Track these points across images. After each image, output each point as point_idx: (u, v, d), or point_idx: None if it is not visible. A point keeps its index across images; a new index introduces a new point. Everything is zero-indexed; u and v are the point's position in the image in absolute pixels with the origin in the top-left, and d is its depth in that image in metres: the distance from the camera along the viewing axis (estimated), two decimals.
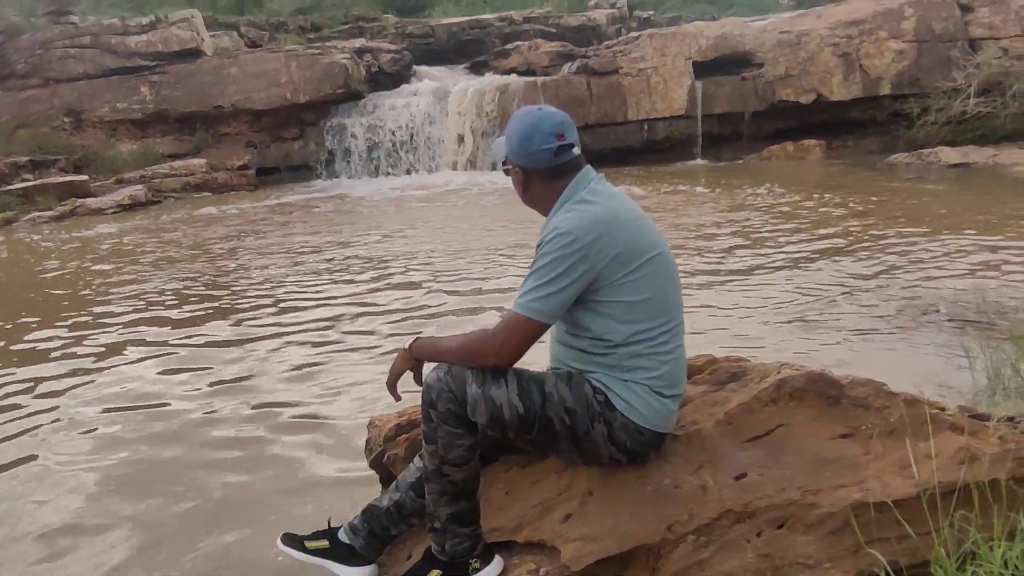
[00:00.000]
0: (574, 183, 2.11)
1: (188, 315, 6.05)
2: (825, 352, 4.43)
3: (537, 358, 2.14)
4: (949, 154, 12.38)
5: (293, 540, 2.37)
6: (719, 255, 7.17)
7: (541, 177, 2.12)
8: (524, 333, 1.98)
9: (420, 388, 2.13)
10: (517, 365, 2.05)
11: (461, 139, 15.38)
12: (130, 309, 6.34)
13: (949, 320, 4.88)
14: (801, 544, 1.95)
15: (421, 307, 5.84)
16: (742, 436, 2.17)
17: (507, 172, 2.20)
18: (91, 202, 13.22)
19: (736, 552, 1.99)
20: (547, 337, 2.12)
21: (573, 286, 1.97)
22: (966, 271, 6.06)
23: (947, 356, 4.10)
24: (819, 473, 2.03)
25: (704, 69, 15.10)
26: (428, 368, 2.12)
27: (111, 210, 13.03)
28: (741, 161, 14.88)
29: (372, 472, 2.83)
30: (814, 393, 2.17)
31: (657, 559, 2.04)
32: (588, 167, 2.15)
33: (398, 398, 2.24)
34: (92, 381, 4.62)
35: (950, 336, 4.52)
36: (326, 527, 2.40)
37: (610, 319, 2.03)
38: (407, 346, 2.16)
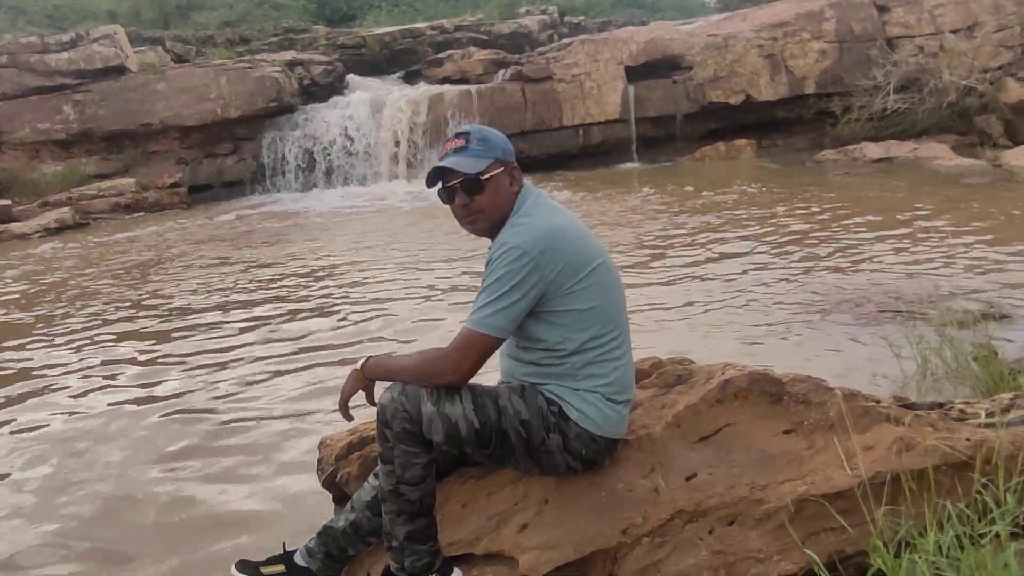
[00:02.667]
0: (519, 199, 2.14)
1: (123, 337, 5.90)
2: (760, 349, 4.55)
3: (486, 369, 2.16)
4: (873, 149, 12.83)
5: (248, 566, 2.35)
6: (654, 256, 7.30)
7: (518, 172, 2.17)
8: (479, 349, 2.01)
9: (373, 407, 2.14)
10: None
11: (397, 150, 15.33)
12: (66, 330, 6.15)
13: (880, 311, 5.07)
14: (752, 539, 2.02)
15: (373, 322, 5.79)
16: (691, 437, 2.24)
17: (471, 190, 2.10)
18: (15, 227, 12.77)
19: (690, 551, 2.05)
20: (496, 352, 2.14)
21: (525, 299, 2.00)
22: (895, 262, 6.30)
23: (879, 346, 4.25)
24: (765, 469, 2.10)
25: (636, 73, 15.36)
26: (381, 388, 2.13)
27: (37, 234, 12.60)
28: (675, 162, 15.16)
29: (326, 492, 2.83)
30: (757, 392, 2.25)
31: (614, 563, 2.09)
32: (528, 183, 2.19)
33: (350, 418, 2.24)
34: (12, 417, 4.48)
35: (881, 327, 4.69)
36: (281, 551, 2.39)
37: (563, 328, 2.07)
38: (358, 366, 2.16)
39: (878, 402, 2.20)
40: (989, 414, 2.26)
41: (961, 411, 2.40)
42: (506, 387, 2.12)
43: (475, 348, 2.00)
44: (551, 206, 2.16)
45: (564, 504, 2.17)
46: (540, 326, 2.08)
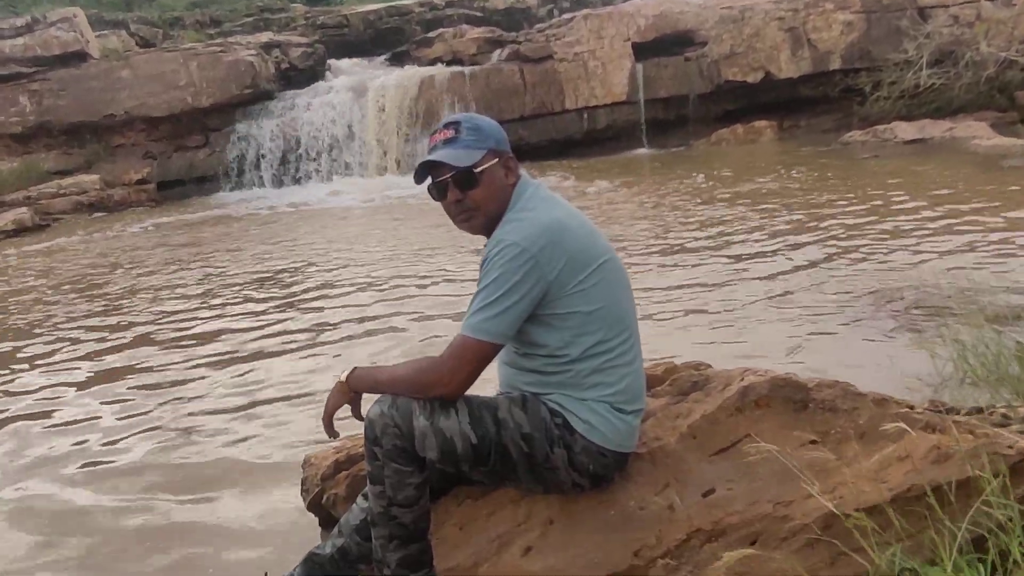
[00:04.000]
0: (515, 193, 2.15)
1: (94, 350, 5.92)
2: (786, 347, 4.56)
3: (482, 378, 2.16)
4: (905, 129, 12.86)
5: None
6: (668, 252, 7.31)
7: (514, 162, 2.18)
8: (476, 358, 2.00)
9: (360, 422, 2.14)
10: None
11: (384, 139, 15.35)
12: (29, 344, 6.17)
13: (915, 307, 5.07)
14: (776, 560, 2.02)
15: (361, 329, 5.80)
16: (708, 449, 2.24)
17: (464, 185, 2.11)
18: None
19: (708, 574, 2.05)
20: (493, 361, 2.14)
21: (525, 300, 2.00)
22: (930, 255, 6.29)
23: (912, 346, 4.25)
24: (790, 483, 2.10)
25: (645, 50, 15.39)
26: (368, 401, 2.13)
27: None
28: (689, 147, 15.18)
29: (311, 515, 2.83)
30: (780, 399, 2.25)
31: None
32: (525, 175, 2.20)
33: (335, 435, 2.24)
34: None
35: (914, 324, 4.69)
36: None
37: (566, 332, 2.07)
38: (343, 377, 2.16)
39: (912, 408, 2.20)
40: None
41: (1004, 416, 2.40)
42: (505, 398, 2.12)
43: (471, 356, 2.00)
44: (551, 199, 2.17)
45: (571, 524, 2.17)
46: (542, 330, 2.08)
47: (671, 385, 2.54)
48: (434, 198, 2.18)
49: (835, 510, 1.90)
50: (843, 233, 7.33)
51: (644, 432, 2.32)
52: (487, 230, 2.15)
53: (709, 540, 2.08)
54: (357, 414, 2.19)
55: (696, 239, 7.75)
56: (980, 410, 2.50)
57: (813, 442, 2.18)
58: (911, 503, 1.94)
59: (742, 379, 2.33)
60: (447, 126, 2.15)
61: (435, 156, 2.10)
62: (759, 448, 2.20)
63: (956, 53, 13.46)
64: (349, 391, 2.16)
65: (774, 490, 2.10)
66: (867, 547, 1.88)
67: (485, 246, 2.10)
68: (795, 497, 2.07)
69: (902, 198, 8.65)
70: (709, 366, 2.92)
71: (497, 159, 2.13)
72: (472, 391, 2.08)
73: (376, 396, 2.11)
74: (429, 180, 2.15)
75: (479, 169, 2.10)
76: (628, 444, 2.16)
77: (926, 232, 7.03)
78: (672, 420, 2.35)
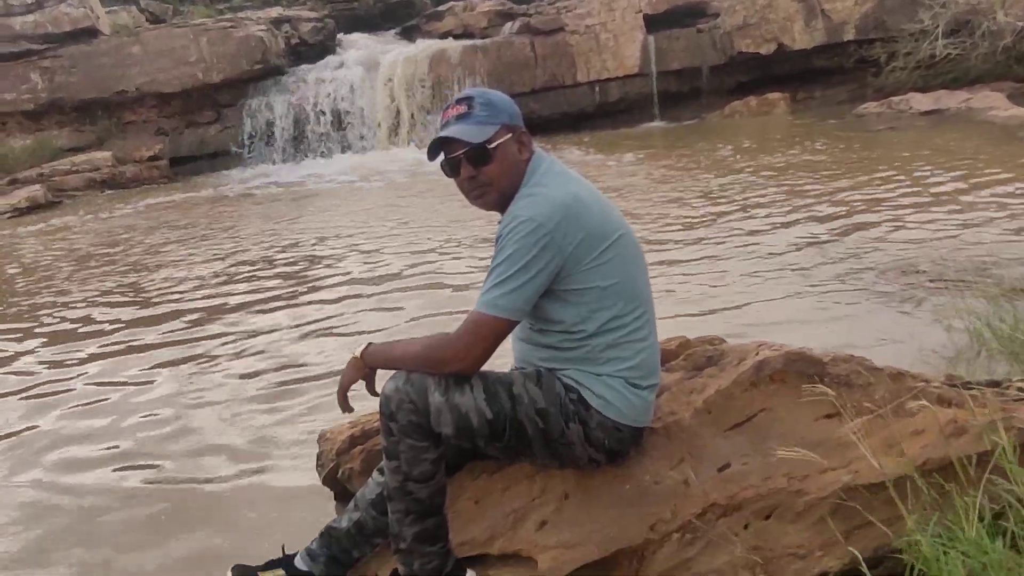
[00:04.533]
0: (529, 168, 2.13)
1: (115, 327, 5.97)
2: (802, 320, 4.56)
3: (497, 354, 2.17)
4: (920, 100, 12.72)
5: (245, 572, 2.37)
6: (682, 225, 7.28)
7: (527, 137, 2.17)
8: (491, 334, 2.00)
9: (374, 397, 2.15)
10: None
11: (396, 114, 15.30)
12: (45, 322, 6.22)
13: (931, 281, 5.05)
14: (791, 534, 2.03)
15: (377, 308, 5.78)
16: (723, 424, 2.24)
17: (477, 161, 2.09)
18: None
19: (724, 547, 2.06)
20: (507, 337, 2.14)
21: (540, 276, 2.00)
22: (946, 226, 6.26)
23: (928, 319, 4.24)
24: (805, 458, 2.10)
25: (656, 22, 15.24)
26: (383, 377, 2.14)
27: (7, 214, 12.71)
28: (701, 120, 15.07)
29: (326, 489, 2.86)
30: (795, 374, 2.25)
31: (640, 561, 2.11)
32: (539, 150, 2.18)
33: (350, 410, 2.25)
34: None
35: (930, 297, 4.68)
36: (280, 555, 2.42)
37: (582, 307, 2.06)
38: (358, 353, 2.17)
39: (927, 382, 2.19)
40: None
41: (1020, 390, 2.39)
42: (520, 373, 2.12)
43: (487, 332, 2.00)
44: (566, 174, 2.16)
45: (586, 499, 2.18)
46: (557, 306, 2.08)
47: (686, 360, 2.54)
48: (447, 174, 2.17)
49: (861, 476, 1.89)
50: (856, 205, 7.29)
51: (659, 407, 2.32)
52: (501, 206, 2.14)
53: (724, 514, 2.09)
54: (372, 389, 2.20)
55: (707, 211, 7.71)
56: (996, 383, 2.48)
57: (828, 416, 2.17)
58: (928, 476, 1.94)
59: (757, 354, 2.33)
60: (460, 101, 2.13)
61: (448, 132, 2.09)
62: (773, 417, 2.21)
63: (972, 23, 13.27)
64: (364, 367, 2.17)
65: (789, 464, 2.10)
66: (895, 515, 1.88)
67: (499, 222, 2.09)
68: (810, 472, 2.08)
69: (918, 171, 8.58)
70: (724, 340, 2.92)
71: (510, 134, 2.11)
72: (487, 367, 2.08)
73: (391, 372, 2.12)
74: (442, 156, 2.14)
75: (492, 145, 2.09)
76: (643, 419, 2.16)
77: (942, 204, 6.98)
78: (687, 395, 2.35)
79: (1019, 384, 2.46)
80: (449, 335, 2.04)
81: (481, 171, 2.10)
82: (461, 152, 2.10)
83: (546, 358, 2.14)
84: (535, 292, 2.01)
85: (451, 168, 2.14)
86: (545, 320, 2.11)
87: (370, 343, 2.19)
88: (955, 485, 1.86)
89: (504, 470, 2.34)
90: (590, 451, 2.12)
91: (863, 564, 1.82)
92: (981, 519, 1.75)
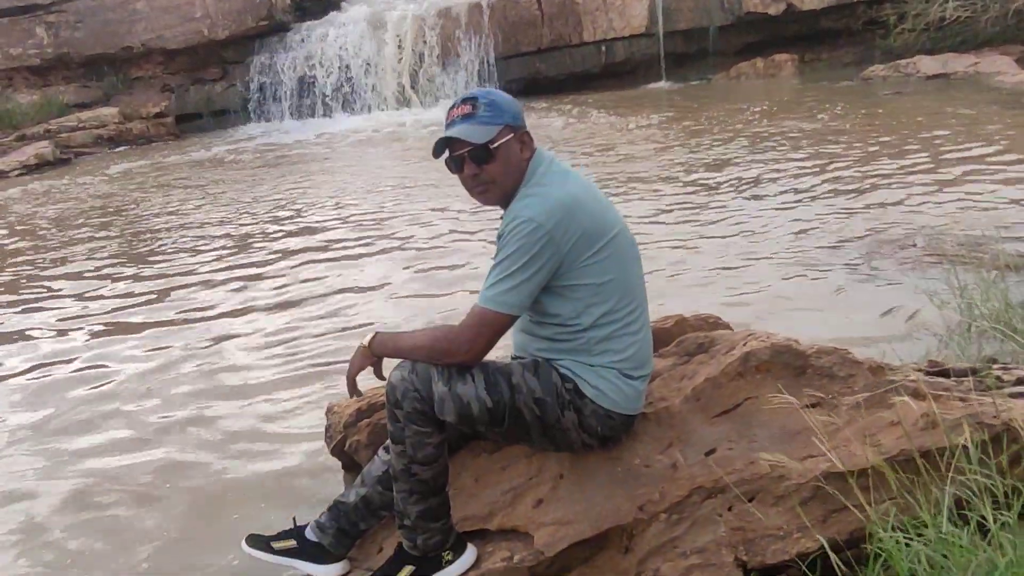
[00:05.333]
0: (530, 166, 2.23)
1: (128, 292, 6.08)
2: (793, 297, 4.64)
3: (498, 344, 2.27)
4: (928, 64, 12.61)
5: (259, 541, 2.51)
6: (685, 192, 7.32)
7: (529, 137, 2.25)
8: (493, 328, 2.13)
9: (382, 381, 2.27)
10: None
11: (402, 73, 15.24)
12: (60, 282, 6.34)
13: (927, 254, 5.10)
14: (771, 516, 2.16)
15: (381, 288, 5.71)
16: (710, 411, 2.36)
17: (480, 160, 2.18)
18: None
19: (708, 527, 2.19)
20: None
21: (540, 273, 2.11)
22: (947, 198, 6.23)
23: (921, 295, 4.30)
24: (787, 445, 2.22)
25: None
26: (390, 364, 2.26)
27: (15, 172, 12.77)
28: (708, 81, 14.98)
29: (334, 461, 2.98)
30: (780, 365, 2.36)
31: (630, 539, 2.24)
32: (540, 148, 2.27)
33: (359, 395, 2.38)
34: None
35: (925, 272, 4.73)
36: (292, 526, 2.55)
37: (578, 302, 2.18)
38: (366, 342, 2.29)
39: (907, 375, 2.30)
40: (1020, 381, 2.36)
41: (998, 378, 2.49)
42: (519, 364, 2.24)
43: (489, 327, 2.12)
44: (565, 173, 2.25)
45: (580, 479, 2.31)
46: (555, 300, 2.19)
47: (677, 346, 2.65)
48: (451, 171, 2.27)
49: (836, 465, 2.01)
50: (857, 174, 7.28)
51: (651, 392, 2.44)
52: (503, 202, 2.25)
53: (709, 496, 2.22)
54: (379, 374, 2.33)
55: (708, 178, 7.71)
56: (976, 371, 2.58)
57: (810, 406, 2.29)
58: (902, 467, 2.06)
59: (745, 343, 2.43)
60: (464, 101, 2.22)
61: (452, 132, 2.18)
62: (763, 402, 2.32)
63: None
64: (371, 355, 2.28)
65: (772, 451, 2.22)
66: (864, 503, 2.00)
67: (502, 219, 2.19)
68: (792, 458, 2.19)
69: (921, 137, 8.55)
70: (719, 318, 3.02)
71: (512, 134, 2.21)
72: (488, 356, 2.20)
73: (396, 360, 2.24)
74: (447, 154, 2.24)
75: (495, 145, 2.18)
76: (635, 407, 2.28)
77: (943, 174, 6.95)
78: (677, 381, 2.47)
79: (997, 372, 2.57)
80: (453, 328, 2.16)
81: (484, 169, 2.20)
82: (465, 151, 2.19)
83: (543, 349, 2.26)
84: (535, 288, 2.12)
85: (455, 166, 2.24)
86: (543, 313, 2.22)
87: (377, 332, 2.30)
88: (927, 477, 1.98)
89: (503, 450, 2.47)
90: (584, 437, 2.24)
91: (827, 547, 1.95)
92: (950, 513, 1.87)
